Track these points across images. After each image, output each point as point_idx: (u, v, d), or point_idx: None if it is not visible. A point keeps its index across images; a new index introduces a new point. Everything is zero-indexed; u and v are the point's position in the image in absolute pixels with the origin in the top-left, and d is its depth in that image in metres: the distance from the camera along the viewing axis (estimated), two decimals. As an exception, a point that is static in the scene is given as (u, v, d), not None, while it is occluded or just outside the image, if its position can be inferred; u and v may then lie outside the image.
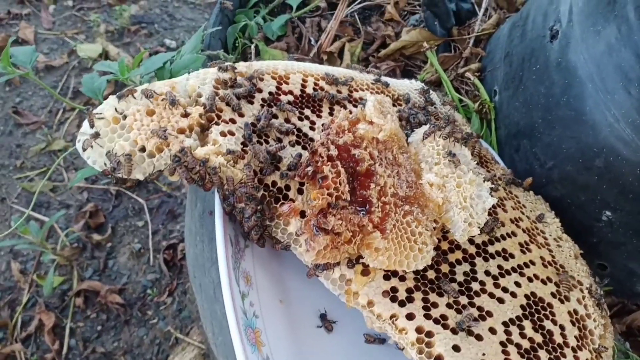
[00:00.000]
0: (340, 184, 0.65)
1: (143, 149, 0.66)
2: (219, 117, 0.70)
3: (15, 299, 1.56)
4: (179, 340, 1.47)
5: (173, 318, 1.53)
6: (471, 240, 0.73)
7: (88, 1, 2.46)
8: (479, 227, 0.70)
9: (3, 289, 1.57)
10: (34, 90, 2.07)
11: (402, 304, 0.64)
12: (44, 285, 1.51)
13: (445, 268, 0.69)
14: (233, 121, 0.71)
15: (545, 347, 0.66)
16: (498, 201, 0.80)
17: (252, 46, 1.10)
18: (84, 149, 0.65)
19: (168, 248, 1.67)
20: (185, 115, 0.69)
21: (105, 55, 2.20)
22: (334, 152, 0.66)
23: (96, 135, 0.65)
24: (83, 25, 2.35)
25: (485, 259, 0.72)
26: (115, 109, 0.67)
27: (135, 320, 1.54)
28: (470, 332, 0.63)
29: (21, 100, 2.04)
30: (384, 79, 0.89)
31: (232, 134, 0.69)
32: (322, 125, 0.75)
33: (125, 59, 2.02)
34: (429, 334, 0.62)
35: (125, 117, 0.67)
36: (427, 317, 0.63)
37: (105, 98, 0.72)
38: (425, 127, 0.76)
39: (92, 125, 0.66)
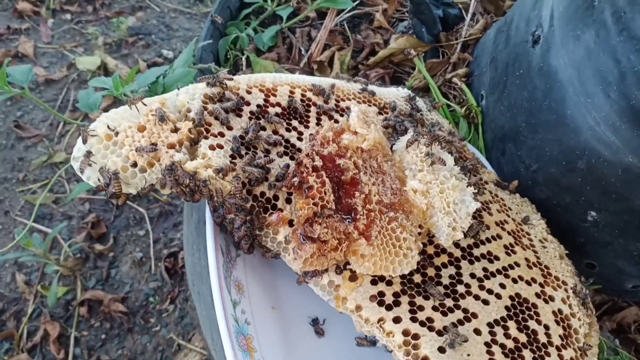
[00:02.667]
0: (325, 194, 0.67)
1: (135, 164, 0.68)
2: (207, 131, 0.73)
3: (20, 310, 1.59)
4: (182, 347, 1.50)
5: (175, 325, 1.56)
6: (457, 244, 0.75)
7: (86, 14, 2.50)
8: (463, 231, 0.72)
9: (8, 300, 1.60)
10: (34, 104, 2.10)
11: (389, 307, 0.66)
12: (48, 295, 1.54)
13: (431, 272, 0.71)
14: (222, 134, 0.73)
15: (529, 347, 0.68)
16: (483, 204, 0.82)
17: (244, 58, 1.12)
18: (82, 170, 0.67)
19: (169, 256, 1.69)
20: (175, 130, 0.71)
21: (104, 67, 2.23)
22: (318, 162, 0.68)
23: (88, 154, 0.67)
24: (81, 38, 2.39)
25: (471, 262, 0.74)
26: (108, 126, 0.70)
27: (138, 328, 1.56)
28: (455, 334, 0.65)
29: (22, 114, 2.07)
30: (370, 87, 0.91)
31: (220, 147, 0.71)
32: (309, 135, 0.77)
33: (122, 71, 2.05)
34: (416, 337, 0.64)
35: (117, 133, 0.70)
36: (414, 320, 0.65)
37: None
38: (408, 135, 0.78)
39: (85, 142, 0.69)
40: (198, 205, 0.97)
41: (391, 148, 0.79)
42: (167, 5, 2.58)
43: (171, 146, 0.70)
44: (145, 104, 0.73)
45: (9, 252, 1.55)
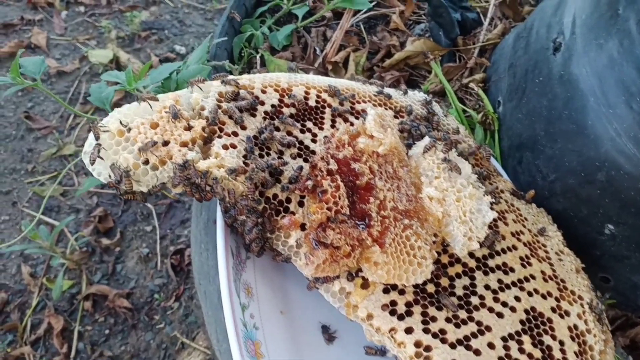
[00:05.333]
0: (339, 198, 0.65)
1: (147, 162, 0.67)
2: (221, 130, 0.71)
3: (25, 302, 1.58)
4: (185, 345, 1.49)
5: (179, 323, 1.55)
6: (471, 254, 0.73)
7: (99, 7, 2.49)
8: (478, 241, 0.70)
9: (13, 292, 1.60)
10: (45, 96, 2.10)
11: (401, 317, 0.64)
12: (53, 288, 1.53)
13: (444, 282, 0.69)
14: (235, 134, 0.72)
15: (544, 363, 0.66)
16: (499, 214, 0.81)
17: (258, 56, 1.11)
18: (92, 166, 0.66)
19: (175, 253, 1.68)
20: (189, 128, 0.70)
21: (116, 61, 2.23)
22: (333, 166, 0.67)
23: (99, 149, 0.66)
24: (94, 31, 2.38)
25: (485, 273, 0.72)
26: (120, 122, 0.68)
27: (142, 325, 1.55)
28: (468, 347, 0.64)
29: (33, 105, 2.07)
30: (387, 90, 0.90)
31: (234, 146, 0.70)
32: (324, 137, 0.75)
33: (135, 65, 2.05)
34: (428, 348, 0.62)
35: (129, 129, 0.68)
36: (426, 331, 0.64)
37: (113, 107, 0.73)
38: (425, 141, 0.76)
39: (97, 137, 0.67)
40: (207, 203, 0.96)
41: (407, 153, 0.78)
42: (181, 1, 2.57)
43: (184, 144, 0.69)
44: (158, 100, 0.71)
45: (15, 244, 1.55)
